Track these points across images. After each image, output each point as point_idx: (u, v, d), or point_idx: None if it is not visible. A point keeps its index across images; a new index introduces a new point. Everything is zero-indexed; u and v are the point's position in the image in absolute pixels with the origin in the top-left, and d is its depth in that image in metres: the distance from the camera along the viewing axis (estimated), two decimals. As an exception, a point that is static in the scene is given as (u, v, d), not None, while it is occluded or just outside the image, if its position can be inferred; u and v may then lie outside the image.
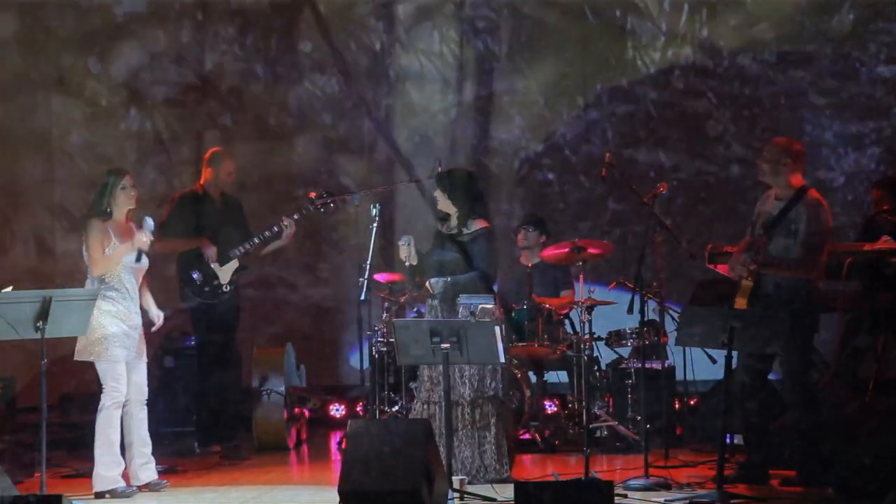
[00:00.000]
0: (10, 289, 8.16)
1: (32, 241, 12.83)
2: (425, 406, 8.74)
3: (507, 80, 12.85)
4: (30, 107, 12.84)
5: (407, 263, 8.78)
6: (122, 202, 8.69)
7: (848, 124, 12.53)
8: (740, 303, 8.39)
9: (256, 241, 10.35)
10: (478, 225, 8.81)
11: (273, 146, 12.92)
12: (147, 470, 8.69)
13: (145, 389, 8.72)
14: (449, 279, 8.71)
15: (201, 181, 10.60)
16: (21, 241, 12.78)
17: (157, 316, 8.85)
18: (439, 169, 9.34)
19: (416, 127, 12.90)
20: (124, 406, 8.61)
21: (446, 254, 8.79)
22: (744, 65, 12.64)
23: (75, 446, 10.44)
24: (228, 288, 10.35)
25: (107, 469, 8.49)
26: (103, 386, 8.56)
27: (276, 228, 10.32)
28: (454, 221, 8.85)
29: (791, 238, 8.36)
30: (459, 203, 8.80)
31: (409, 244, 8.73)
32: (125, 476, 8.59)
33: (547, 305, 10.33)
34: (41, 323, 7.83)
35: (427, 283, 8.78)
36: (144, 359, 8.73)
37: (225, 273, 10.35)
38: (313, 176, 12.68)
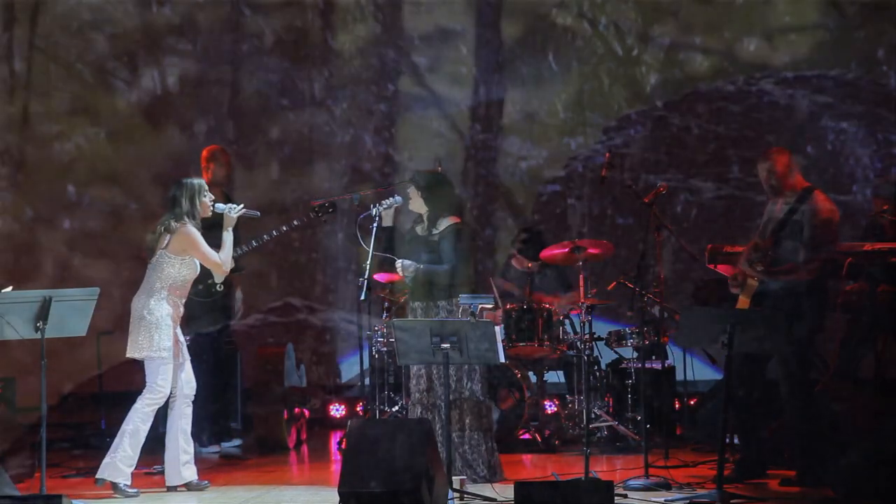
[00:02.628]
0: (10, 289, 8.15)
1: (54, 268, 12.79)
2: (415, 406, 8.70)
3: (520, 98, 12.85)
4: (50, 134, 12.84)
5: (377, 217, 8.64)
6: (205, 210, 8.69)
7: (874, 138, 12.49)
8: (743, 302, 8.38)
9: (265, 237, 10.35)
10: (448, 221, 8.73)
11: (288, 173, 12.92)
12: (189, 468, 8.67)
13: (194, 385, 8.72)
14: (422, 266, 8.62)
15: (201, 180, 10.57)
16: (43, 269, 12.74)
17: None
18: (439, 168, 9.32)
19: (424, 142, 12.90)
20: (171, 402, 8.60)
21: (416, 255, 8.69)
22: (766, 87, 12.60)
23: (75, 446, 10.42)
24: (222, 287, 10.34)
25: (124, 462, 8.44)
26: (149, 384, 8.50)
27: (284, 228, 10.32)
28: (425, 222, 8.79)
29: (798, 240, 8.35)
30: (431, 203, 8.72)
31: (392, 207, 8.70)
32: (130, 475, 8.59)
33: (547, 305, 10.32)
34: (41, 323, 7.83)
35: (397, 263, 8.67)
36: (186, 355, 8.72)
37: (219, 273, 10.34)
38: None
